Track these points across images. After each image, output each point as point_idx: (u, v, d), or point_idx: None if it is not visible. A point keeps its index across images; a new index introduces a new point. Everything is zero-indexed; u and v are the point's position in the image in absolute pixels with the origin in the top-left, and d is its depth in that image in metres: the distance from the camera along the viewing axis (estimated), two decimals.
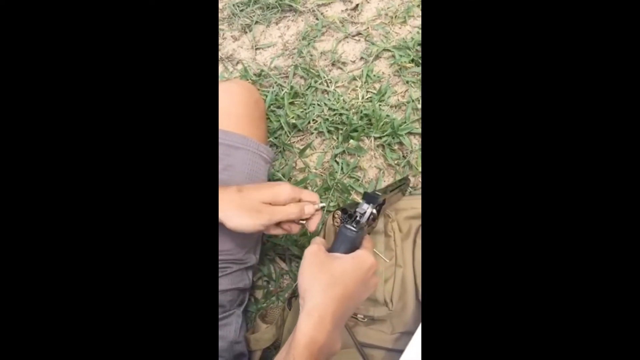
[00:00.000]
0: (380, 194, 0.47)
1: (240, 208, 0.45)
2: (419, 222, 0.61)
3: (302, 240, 0.67)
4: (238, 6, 0.91)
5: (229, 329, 0.56)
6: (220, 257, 0.53)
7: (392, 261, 0.59)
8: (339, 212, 0.47)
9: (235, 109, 0.59)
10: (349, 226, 0.43)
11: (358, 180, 0.70)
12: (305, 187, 0.71)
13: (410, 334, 0.52)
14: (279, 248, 0.68)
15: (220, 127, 0.56)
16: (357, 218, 0.45)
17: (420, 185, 0.69)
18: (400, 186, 0.58)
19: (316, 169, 0.72)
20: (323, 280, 0.38)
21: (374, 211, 0.46)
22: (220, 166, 0.55)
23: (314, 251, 0.40)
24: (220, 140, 0.55)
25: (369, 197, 0.46)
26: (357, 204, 0.47)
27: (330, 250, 0.42)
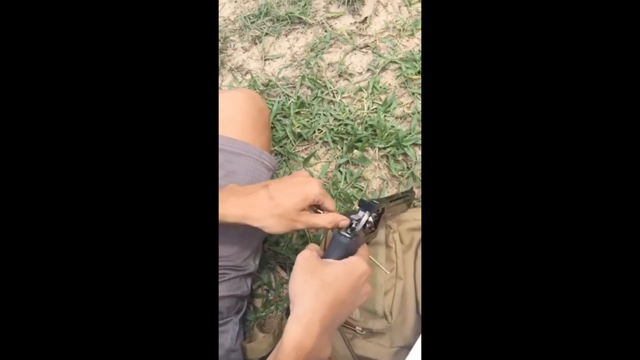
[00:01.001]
0: (377, 202, 0.47)
1: (277, 217, 0.46)
2: (420, 234, 0.60)
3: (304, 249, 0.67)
4: (249, 18, 0.93)
5: (225, 337, 0.55)
6: (218, 263, 0.53)
7: (393, 273, 0.58)
8: None
9: (239, 116, 0.59)
10: (343, 232, 0.42)
11: (361, 190, 0.70)
12: None
13: (409, 348, 0.51)
14: (280, 257, 0.68)
15: (224, 134, 0.57)
16: (352, 225, 0.44)
17: None
18: (404, 197, 0.57)
19: (320, 178, 0.72)
20: (314, 286, 0.37)
21: (371, 219, 0.45)
22: (223, 172, 0.55)
23: (306, 256, 0.40)
24: (223, 147, 0.56)
25: (364, 205, 0.46)
26: (355, 212, 0.47)
27: (324, 256, 0.42)
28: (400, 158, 0.71)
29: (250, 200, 0.46)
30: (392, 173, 0.70)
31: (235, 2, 0.98)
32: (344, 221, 0.47)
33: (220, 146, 0.56)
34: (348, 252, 0.42)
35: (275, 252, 0.68)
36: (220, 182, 0.54)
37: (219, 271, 0.53)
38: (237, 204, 0.46)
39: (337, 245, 0.42)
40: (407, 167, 0.70)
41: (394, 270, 0.58)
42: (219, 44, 0.92)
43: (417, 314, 0.56)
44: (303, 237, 0.68)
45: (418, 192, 0.69)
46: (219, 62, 0.90)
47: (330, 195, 0.50)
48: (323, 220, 0.47)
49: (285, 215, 0.46)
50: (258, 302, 0.66)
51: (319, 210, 0.50)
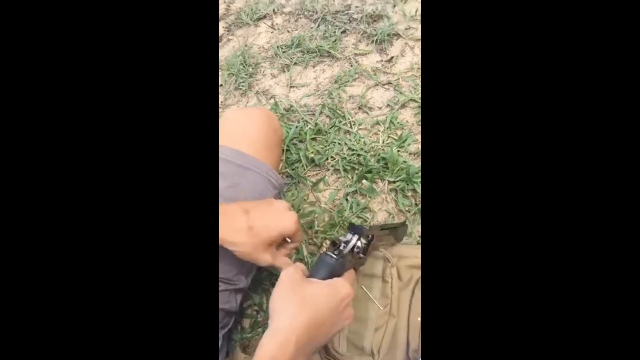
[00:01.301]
0: (367, 228, 0.46)
1: (250, 247, 0.47)
2: (420, 272, 0.57)
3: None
4: (281, 48, 0.98)
5: None
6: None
7: (386, 309, 0.55)
8: (327, 242, 0.46)
9: (253, 132, 0.61)
10: (329, 253, 0.42)
11: (366, 221, 0.69)
12: (312, 220, 0.70)
13: None
14: (275, 279, 0.67)
15: (235, 147, 0.58)
16: (340, 247, 0.44)
17: None
18: (395, 228, 0.56)
19: (326, 204, 0.72)
20: (293, 302, 0.37)
21: (359, 244, 0.45)
22: (228, 183, 0.56)
23: (290, 273, 0.39)
24: (231, 159, 0.57)
25: (354, 228, 0.46)
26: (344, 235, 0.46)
27: (309, 276, 0.41)
28: (409, 194, 0.70)
29: (230, 223, 0.47)
30: (399, 208, 0.69)
31: (272, 33, 1.04)
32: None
33: (229, 158, 0.57)
34: (333, 273, 0.41)
35: (272, 273, 0.67)
36: (225, 192, 0.55)
37: None
38: (221, 223, 0.45)
39: (322, 265, 0.41)
40: (415, 204, 0.69)
41: (388, 306, 0.55)
42: (250, 69, 0.96)
43: (406, 355, 0.52)
44: (302, 261, 0.67)
45: (418, 229, 0.67)
46: (247, 85, 0.94)
47: (301, 230, 0.51)
48: (282, 262, 0.49)
49: (258, 247, 0.47)
50: (246, 323, 0.64)
51: (287, 239, 0.51)
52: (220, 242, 0.46)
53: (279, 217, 0.49)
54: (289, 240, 0.50)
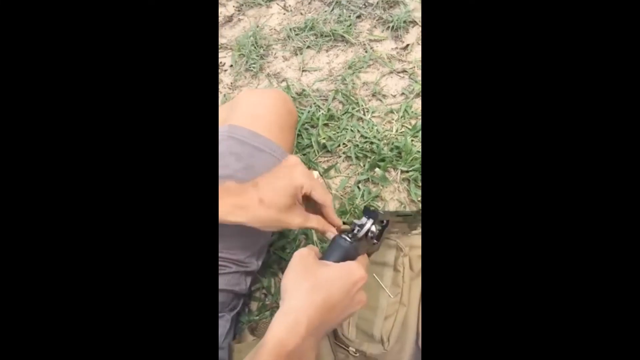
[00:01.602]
0: (382, 213, 0.46)
1: (268, 220, 0.45)
2: None
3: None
4: (294, 30, 0.96)
5: None
6: (220, 255, 0.52)
7: (397, 298, 0.55)
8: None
9: (268, 114, 0.60)
10: (343, 236, 0.42)
11: (377, 209, 0.68)
12: None
13: None
14: (284, 263, 0.67)
15: (251, 128, 0.57)
16: (354, 230, 0.44)
17: None
18: (409, 216, 0.56)
19: (337, 192, 0.71)
20: (305, 284, 0.36)
21: (374, 229, 0.44)
22: (242, 165, 0.55)
23: (303, 254, 0.39)
24: (247, 140, 0.56)
25: (369, 213, 0.45)
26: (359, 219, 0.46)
27: (322, 258, 0.41)
28: (421, 184, 0.70)
29: (242, 202, 0.45)
30: (411, 197, 0.68)
31: (284, 14, 1.02)
32: (332, 232, 0.46)
33: (244, 139, 0.56)
34: (347, 257, 0.41)
35: (280, 257, 0.66)
36: (239, 174, 0.54)
37: (219, 263, 0.52)
38: (231, 205, 0.45)
39: (336, 248, 0.41)
40: None
41: (399, 295, 0.55)
42: (261, 51, 0.94)
43: (416, 345, 0.53)
44: None
45: None
46: (258, 67, 0.92)
47: (319, 184, 0.47)
48: (317, 222, 0.46)
49: (276, 216, 0.45)
50: (254, 305, 0.64)
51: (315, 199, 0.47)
52: (239, 222, 0.45)
53: (287, 176, 0.46)
54: (308, 193, 0.47)
